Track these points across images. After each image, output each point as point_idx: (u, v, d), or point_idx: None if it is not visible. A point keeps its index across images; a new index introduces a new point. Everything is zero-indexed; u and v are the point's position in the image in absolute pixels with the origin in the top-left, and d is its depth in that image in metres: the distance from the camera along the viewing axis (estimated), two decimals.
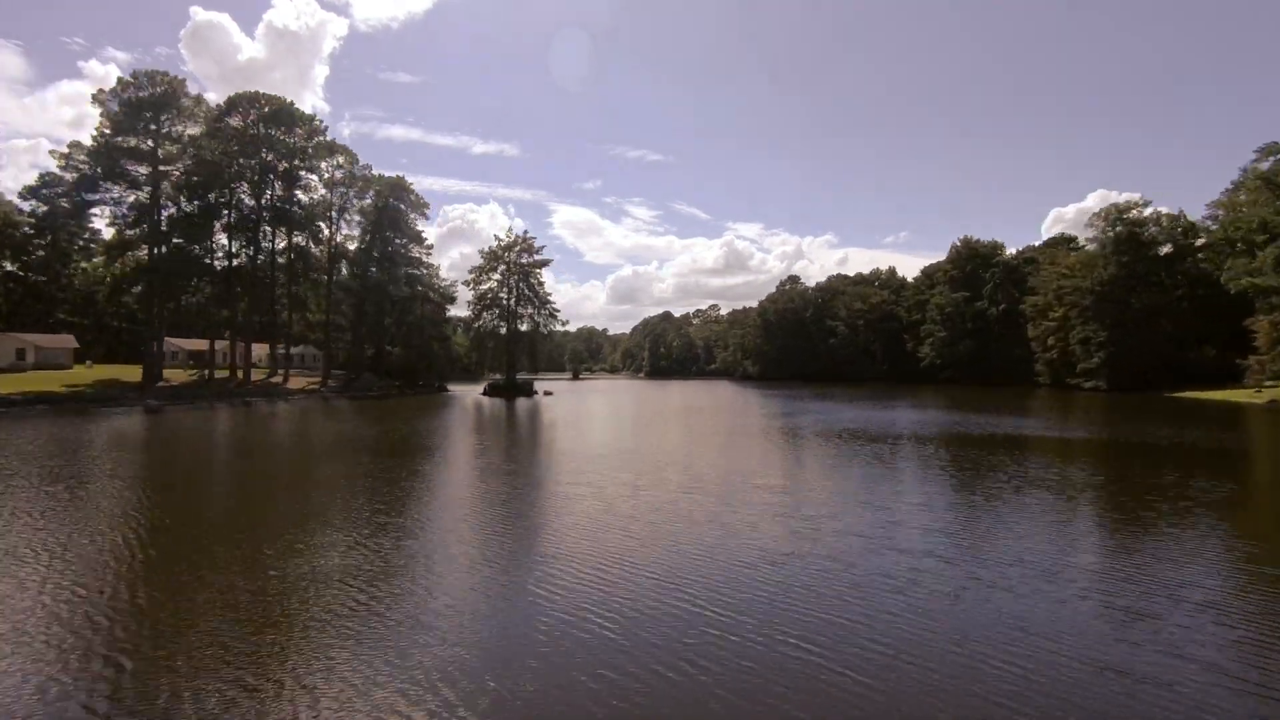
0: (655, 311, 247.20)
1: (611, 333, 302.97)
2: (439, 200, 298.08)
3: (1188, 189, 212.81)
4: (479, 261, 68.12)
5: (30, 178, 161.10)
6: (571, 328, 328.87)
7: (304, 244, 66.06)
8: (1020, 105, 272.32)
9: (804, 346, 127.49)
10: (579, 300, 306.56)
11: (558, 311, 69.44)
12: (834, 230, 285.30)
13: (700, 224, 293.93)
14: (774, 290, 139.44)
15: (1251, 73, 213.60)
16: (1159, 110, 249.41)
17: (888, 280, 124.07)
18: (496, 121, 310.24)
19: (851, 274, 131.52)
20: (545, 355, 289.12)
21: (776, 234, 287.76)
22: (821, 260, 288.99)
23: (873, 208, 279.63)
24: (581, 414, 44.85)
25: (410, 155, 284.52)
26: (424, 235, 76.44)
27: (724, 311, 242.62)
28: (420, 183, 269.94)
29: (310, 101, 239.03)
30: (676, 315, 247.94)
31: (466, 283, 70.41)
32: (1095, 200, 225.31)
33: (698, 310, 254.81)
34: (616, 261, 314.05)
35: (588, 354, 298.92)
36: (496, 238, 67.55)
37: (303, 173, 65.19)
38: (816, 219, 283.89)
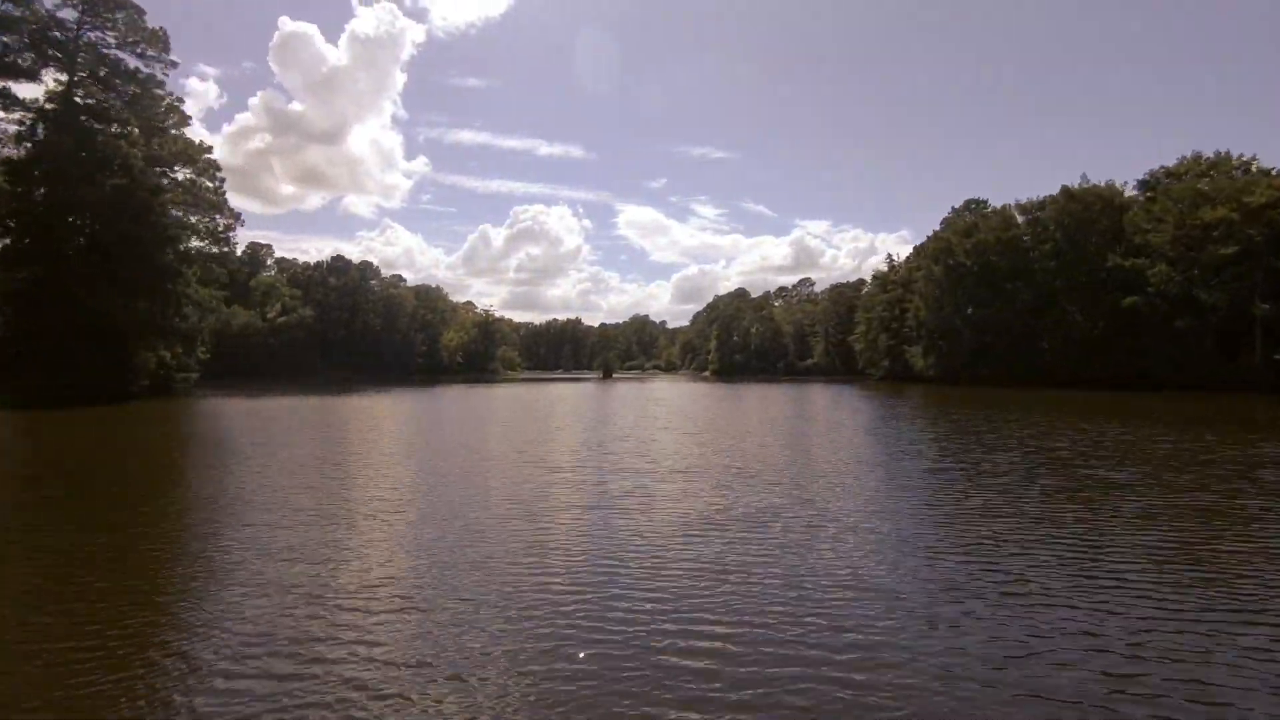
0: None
1: (672, 325, 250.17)
2: (508, 202, 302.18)
3: None
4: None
5: None
6: (623, 317, 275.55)
7: None
8: (1107, 86, 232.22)
9: (1043, 318, 62.43)
10: (645, 300, 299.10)
11: None
12: (909, 225, 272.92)
13: (767, 221, 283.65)
14: (950, 215, 73.92)
15: None
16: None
17: (1220, 165, 56.26)
18: (562, 123, 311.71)
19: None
20: (589, 347, 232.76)
21: (846, 230, 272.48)
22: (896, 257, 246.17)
23: (946, 201, 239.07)
24: None
25: (479, 158, 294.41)
26: None
27: (819, 289, 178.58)
28: (489, 185, 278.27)
29: (389, 110, 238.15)
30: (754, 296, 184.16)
31: None
32: None
33: (781, 288, 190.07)
34: (682, 261, 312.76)
35: (639, 348, 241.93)
36: None
37: None
38: (888, 214, 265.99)
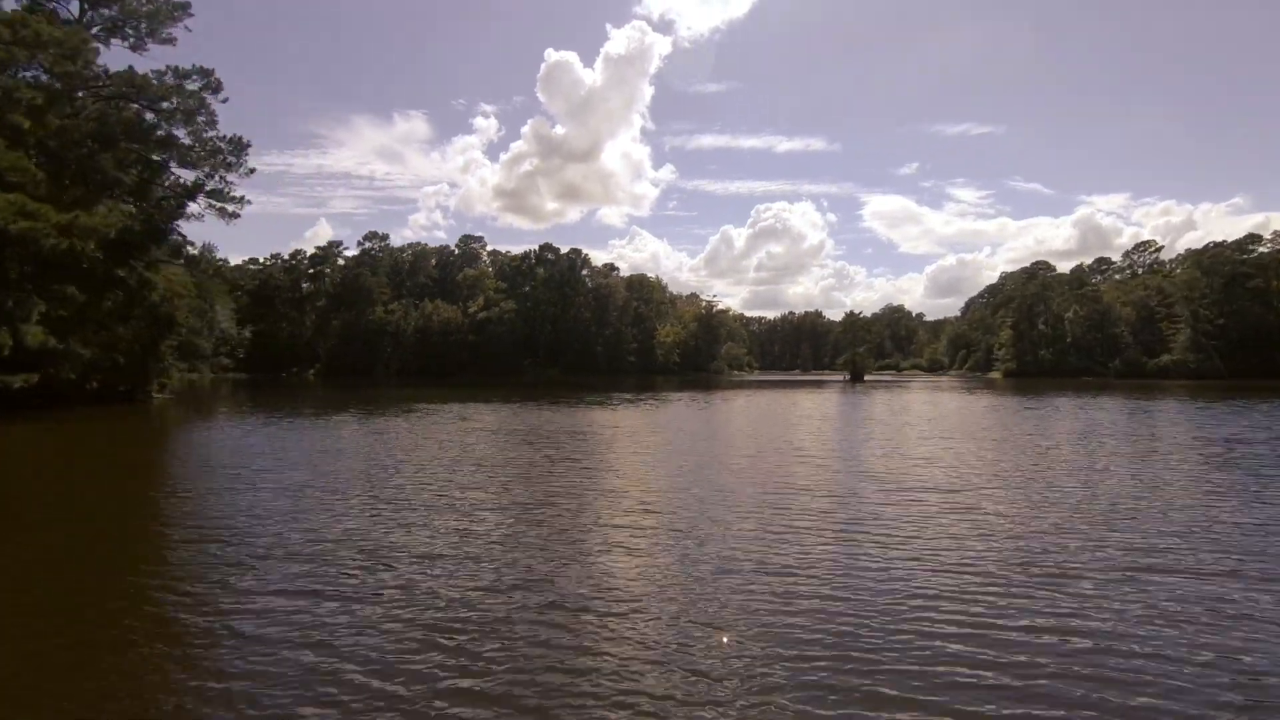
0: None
1: (929, 318, 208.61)
2: (748, 202, 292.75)
3: None
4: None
5: (438, 216, 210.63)
6: (875, 306, 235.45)
7: None
8: None
9: None
10: (894, 295, 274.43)
11: None
12: (1248, 190, 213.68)
13: (1042, 201, 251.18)
14: None
15: None
16: None
17: None
18: (802, 117, 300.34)
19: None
20: (831, 343, 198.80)
21: (1150, 203, 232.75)
22: (1224, 231, 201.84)
23: None
24: None
25: (719, 162, 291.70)
26: None
27: (1166, 256, 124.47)
28: (729, 187, 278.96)
29: (638, 124, 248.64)
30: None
31: None
32: None
33: (1101, 259, 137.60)
34: (936, 251, 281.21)
35: (892, 344, 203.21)
36: None
37: None
38: (1213, 180, 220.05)
